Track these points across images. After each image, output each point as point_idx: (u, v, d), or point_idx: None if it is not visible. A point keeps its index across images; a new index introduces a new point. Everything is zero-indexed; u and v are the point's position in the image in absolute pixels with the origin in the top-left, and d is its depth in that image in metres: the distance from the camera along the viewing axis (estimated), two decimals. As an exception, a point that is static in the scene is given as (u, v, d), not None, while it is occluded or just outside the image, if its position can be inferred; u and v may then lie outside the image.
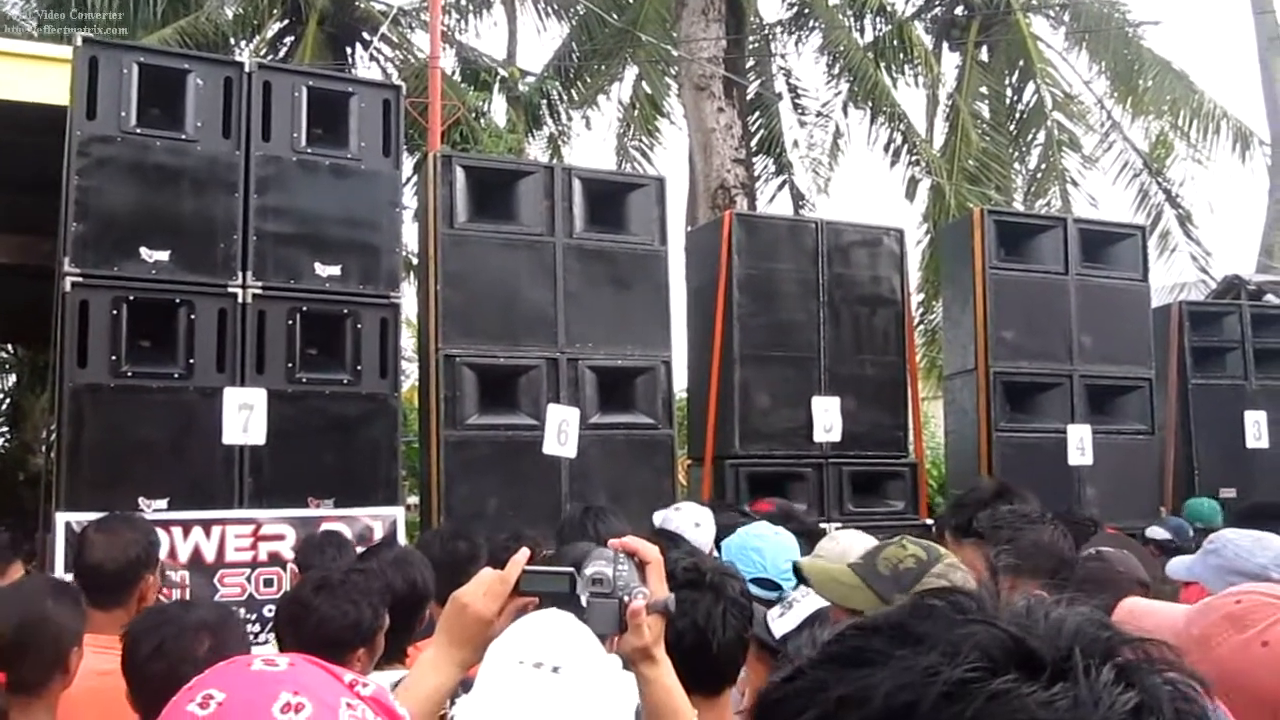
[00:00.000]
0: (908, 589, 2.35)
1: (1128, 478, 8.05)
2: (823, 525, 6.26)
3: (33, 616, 2.62)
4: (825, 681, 0.83)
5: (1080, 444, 7.92)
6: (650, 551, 2.04)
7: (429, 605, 3.22)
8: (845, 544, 3.54)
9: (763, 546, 3.93)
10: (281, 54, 17.72)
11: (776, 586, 3.79)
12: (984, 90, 18.02)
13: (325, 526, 5.35)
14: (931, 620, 0.84)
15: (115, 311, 5.16)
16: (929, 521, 7.12)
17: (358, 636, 2.70)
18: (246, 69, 5.67)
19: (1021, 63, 17.83)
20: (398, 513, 5.57)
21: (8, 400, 16.38)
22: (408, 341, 9.94)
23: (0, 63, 6.10)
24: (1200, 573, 3.01)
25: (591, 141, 46.50)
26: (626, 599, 1.95)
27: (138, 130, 5.34)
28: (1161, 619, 2.08)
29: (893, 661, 0.80)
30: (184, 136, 5.44)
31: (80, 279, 5.12)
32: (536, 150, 18.58)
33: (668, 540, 3.98)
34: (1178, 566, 3.25)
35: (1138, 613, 2.26)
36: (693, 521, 4.82)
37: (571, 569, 1.98)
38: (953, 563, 2.58)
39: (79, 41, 5.37)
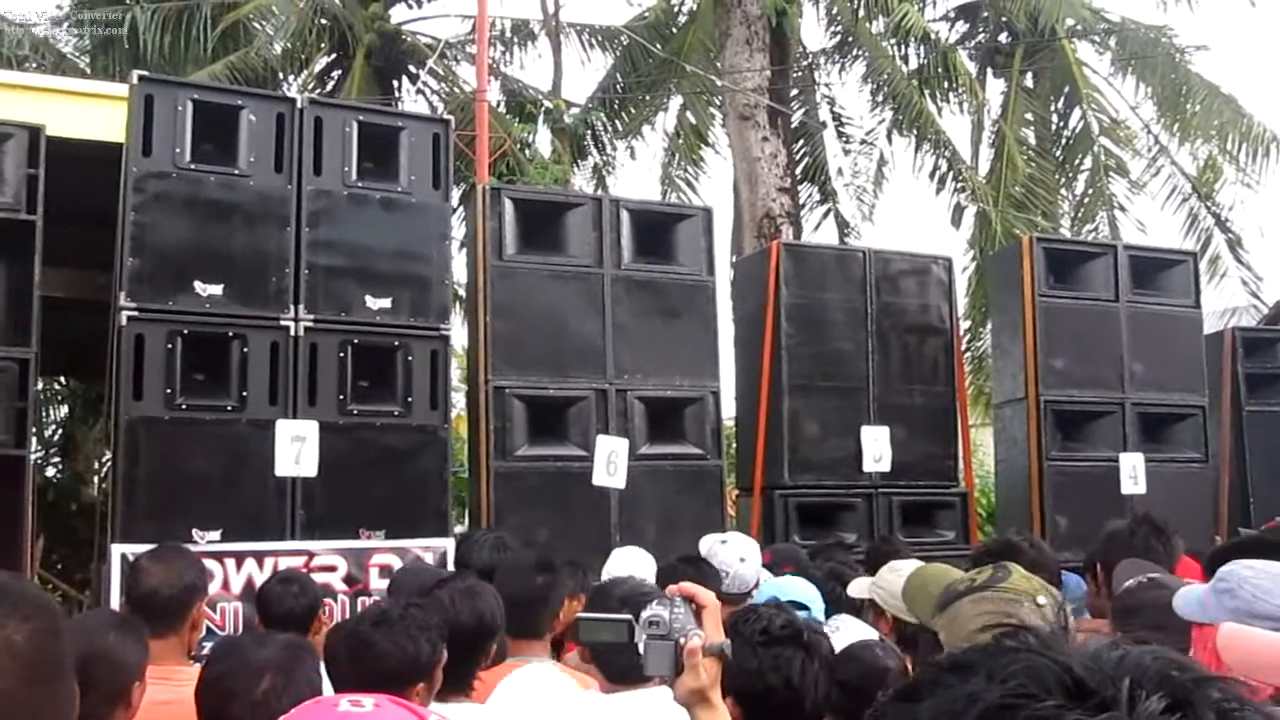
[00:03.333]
0: (941, 609, 2.30)
1: (1181, 506, 7.90)
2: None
3: (96, 650, 2.63)
4: (884, 714, 0.85)
5: (1133, 473, 7.83)
6: (707, 596, 2.06)
7: (497, 637, 3.23)
8: (906, 574, 3.53)
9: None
10: (329, 87, 17.93)
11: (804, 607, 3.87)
12: (1029, 116, 17.94)
13: (376, 558, 5.38)
14: (988, 653, 0.84)
15: (170, 345, 5.21)
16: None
17: (416, 671, 2.70)
18: (299, 105, 5.73)
19: (1067, 88, 17.73)
20: (448, 544, 5.58)
21: (60, 431, 16.53)
22: (456, 373, 9.98)
23: (59, 100, 6.20)
24: (1215, 614, 2.63)
25: (636, 171, 46.64)
26: (683, 640, 1.95)
27: (192, 166, 5.40)
28: (1262, 645, 2.03)
29: (939, 690, 0.81)
30: (237, 171, 5.50)
31: (135, 313, 5.18)
32: (581, 180, 18.64)
33: (695, 569, 4.07)
34: (1188, 601, 2.81)
35: (1239, 638, 2.20)
36: (738, 556, 4.81)
37: (629, 617, 1.99)
38: (996, 597, 2.23)
39: (135, 79, 5.45)
